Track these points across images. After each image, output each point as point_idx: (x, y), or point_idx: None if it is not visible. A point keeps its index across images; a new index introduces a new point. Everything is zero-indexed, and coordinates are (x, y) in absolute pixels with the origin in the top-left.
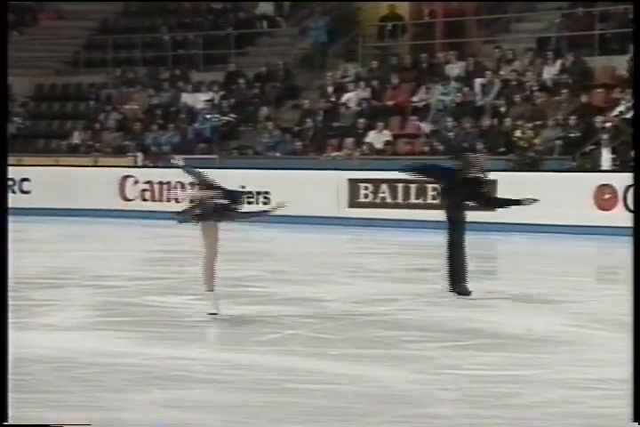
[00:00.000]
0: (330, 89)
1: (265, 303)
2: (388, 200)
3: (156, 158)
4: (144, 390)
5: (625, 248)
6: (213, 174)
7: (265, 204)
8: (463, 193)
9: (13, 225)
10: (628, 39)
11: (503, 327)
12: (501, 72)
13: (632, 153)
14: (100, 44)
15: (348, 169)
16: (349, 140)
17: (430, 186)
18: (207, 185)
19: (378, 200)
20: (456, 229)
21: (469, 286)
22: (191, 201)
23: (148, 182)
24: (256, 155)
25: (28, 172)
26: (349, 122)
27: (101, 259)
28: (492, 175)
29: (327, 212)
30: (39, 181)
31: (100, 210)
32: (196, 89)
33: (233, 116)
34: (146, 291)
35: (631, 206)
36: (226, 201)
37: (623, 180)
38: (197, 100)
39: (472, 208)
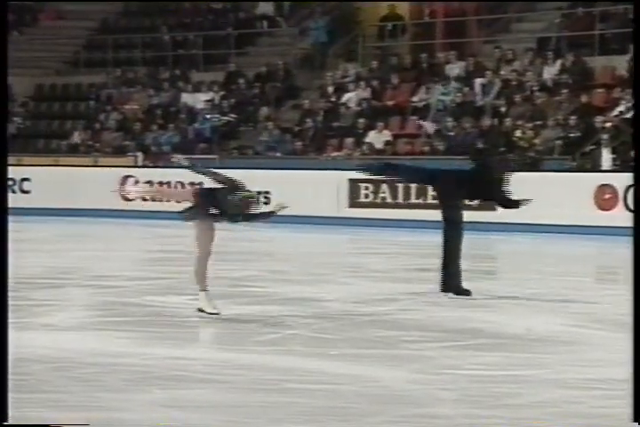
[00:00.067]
0: (330, 89)
1: (265, 303)
2: (389, 200)
3: (156, 158)
4: (144, 390)
5: (625, 248)
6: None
7: (266, 204)
8: (463, 193)
9: (13, 225)
10: (628, 39)
11: (503, 327)
12: (501, 72)
13: (632, 153)
14: (100, 44)
15: (348, 169)
16: (349, 140)
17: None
18: (223, 181)
19: (378, 200)
20: (452, 229)
21: (464, 284)
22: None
23: (148, 182)
24: (256, 155)
25: (28, 172)
26: (349, 122)
27: (101, 259)
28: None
29: (327, 212)
30: (39, 181)
31: (100, 210)
32: (196, 89)
33: (233, 116)
34: (146, 291)
35: (631, 206)
36: (237, 198)
37: (623, 180)
38: (197, 100)
39: (471, 208)
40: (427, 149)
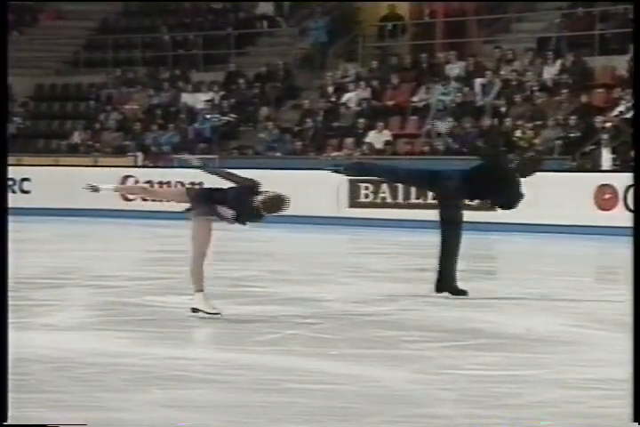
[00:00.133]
0: (330, 89)
1: (265, 303)
2: (389, 200)
3: (156, 158)
4: (144, 390)
5: (625, 248)
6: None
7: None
8: (464, 193)
9: (13, 225)
10: (628, 39)
11: (503, 327)
12: (501, 72)
13: (632, 153)
14: (100, 44)
15: None
16: (349, 140)
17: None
18: (238, 181)
19: (378, 200)
20: (450, 229)
21: (464, 285)
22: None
23: (148, 182)
24: (256, 155)
25: (28, 172)
26: (349, 122)
27: (101, 259)
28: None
29: (327, 212)
30: (39, 181)
31: (101, 210)
32: (196, 89)
33: (233, 116)
34: (146, 291)
35: (631, 206)
36: (264, 198)
37: (623, 180)
38: (197, 100)
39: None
40: (427, 148)
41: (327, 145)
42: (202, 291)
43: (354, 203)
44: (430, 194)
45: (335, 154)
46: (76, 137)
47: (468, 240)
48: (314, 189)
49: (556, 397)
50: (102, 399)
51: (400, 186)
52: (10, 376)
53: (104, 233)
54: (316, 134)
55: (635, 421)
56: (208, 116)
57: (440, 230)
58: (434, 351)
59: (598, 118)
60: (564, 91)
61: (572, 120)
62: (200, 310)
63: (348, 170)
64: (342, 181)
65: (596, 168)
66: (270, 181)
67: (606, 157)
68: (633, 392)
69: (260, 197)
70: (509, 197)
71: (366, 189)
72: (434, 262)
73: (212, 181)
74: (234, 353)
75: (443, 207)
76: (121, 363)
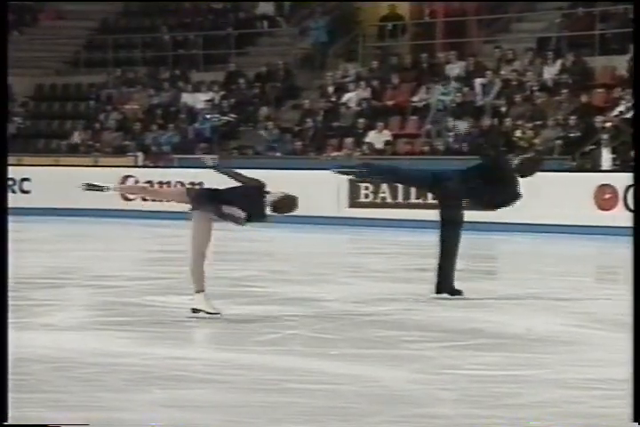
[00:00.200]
0: (330, 89)
1: (265, 303)
2: (389, 200)
3: (156, 158)
4: (144, 390)
5: (625, 248)
6: (214, 175)
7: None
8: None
9: (13, 225)
10: (628, 39)
11: (503, 327)
12: (501, 72)
13: (632, 153)
14: (100, 44)
15: None
16: (349, 141)
17: None
18: (246, 182)
19: (378, 200)
20: (450, 229)
21: (465, 284)
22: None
23: (148, 182)
24: (256, 155)
25: (28, 172)
26: (349, 122)
27: (101, 259)
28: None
29: (327, 212)
30: (39, 181)
31: (101, 210)
32: (196, 89)
33: (233, 116)
34: (146, 291)
35: (631, 206)
36: (274, 199)
37: (623, 180)
38: (197, 100)
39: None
40: (427, 148)
41: (327, 145)
42: (202, 291)
43: (354, 203)
44: (430, 194)
45: (335, 154)
46: (76, 137)
47: (468, 240)
48: (314, 188)
49: (556, 397)
50: (102, 399)
51: (400, 186)
52: (10, 376)
53: (104, 233)
54: (316, 134)
55: (635, 421)
56: (208, 116)
57: (439, 230)
58: (434, 351)
59: (598, 118)
60: (564, 91)
61: (572, 120)
62: (200, 310)
63: (362, 174)
64: (342, 180)
65: (596, 168)
66: (270, 181)
67: (606, 157)
68: (633, 392)
69: (270, 198)
70: (505, 197)
71: (366, 189)
72: (434, 262)
73: (212, 182)
74: (234, 353)
75: (443, 208)
76: (121, 363)
